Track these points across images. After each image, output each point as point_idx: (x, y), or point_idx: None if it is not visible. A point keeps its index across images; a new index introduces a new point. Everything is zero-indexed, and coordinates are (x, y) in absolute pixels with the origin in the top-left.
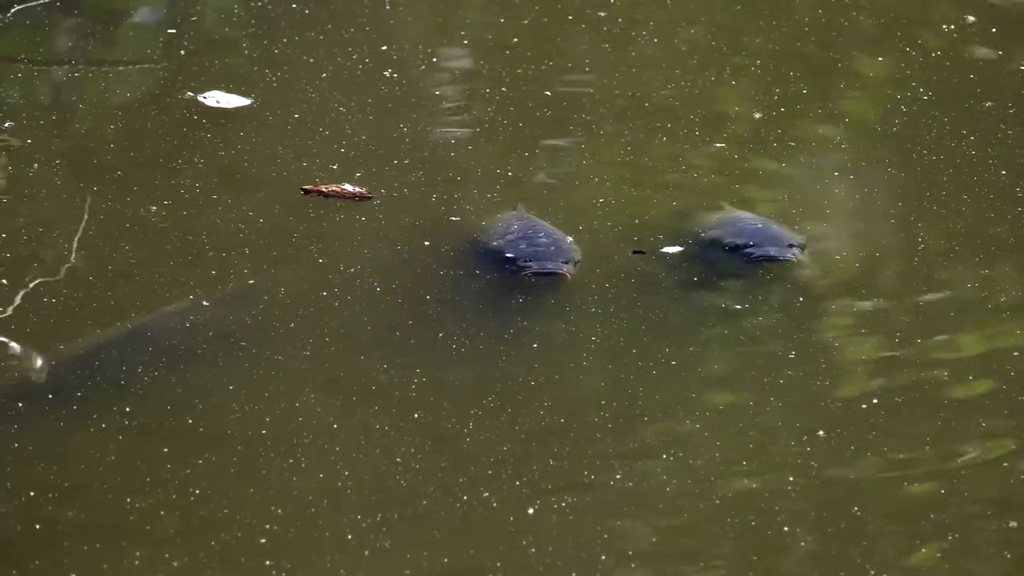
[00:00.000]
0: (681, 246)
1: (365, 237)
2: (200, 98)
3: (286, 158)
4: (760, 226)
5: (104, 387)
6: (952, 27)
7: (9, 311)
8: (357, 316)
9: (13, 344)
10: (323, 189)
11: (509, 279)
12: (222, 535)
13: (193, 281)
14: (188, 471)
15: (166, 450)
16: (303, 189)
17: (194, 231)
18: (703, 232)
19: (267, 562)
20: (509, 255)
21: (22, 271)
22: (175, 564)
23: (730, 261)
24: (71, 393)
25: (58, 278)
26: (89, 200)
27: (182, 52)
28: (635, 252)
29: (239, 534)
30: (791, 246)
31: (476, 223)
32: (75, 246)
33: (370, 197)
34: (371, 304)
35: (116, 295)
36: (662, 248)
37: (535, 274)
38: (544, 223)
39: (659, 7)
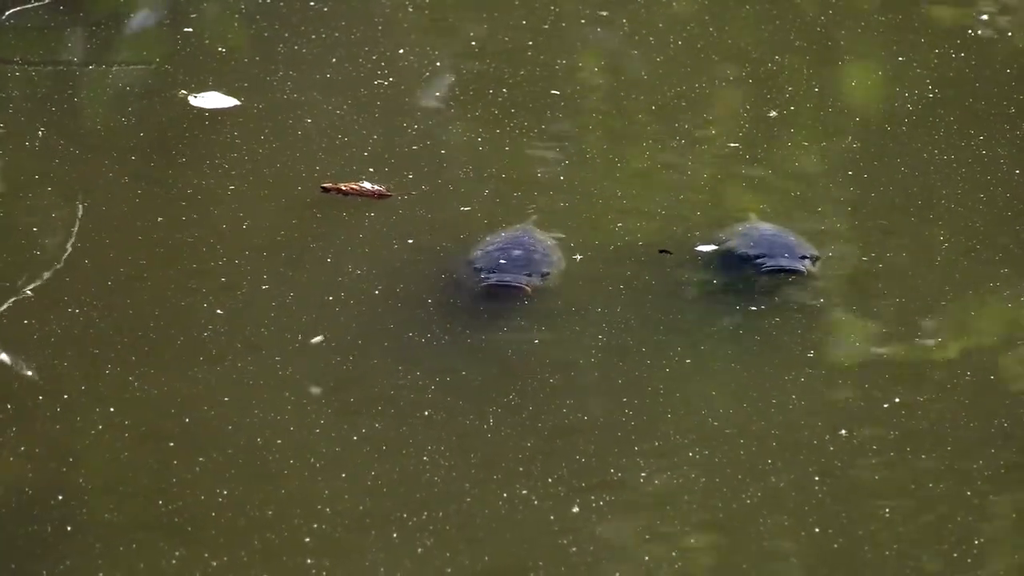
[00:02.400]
0: (716, 244)
1: (372, 240)
2: (192, 99)
3: (292, 159)
4: (775, 237)
5: (102, 389)
6: (958, 23)
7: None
8: (365, 320)
9: (3, 354)
10: (342, 187)
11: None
12: (268, 535)
13: (205, 288)
14: (207, 473)
15: (180, 453)
16: (323, 187)
17: (199, 234)
18: (718, 242)
19: (308, 561)
20: (476, 266)
21: (18, 274)
22: (214, 564)
23: (743, 270)
24: (72, 395)
25: (55, 281)
26: (85, 202)
27: (180, 53)
28: (661, 251)
29: (285, 534)
30: (803, 257)
31: (484, 227)
32: (69, 250)
33: (389, 195)
34: (378, 307)
35: (132, 299)
36: (696, 247)
37: (492, 286)
38: (535, 235)
39: (664, 8)
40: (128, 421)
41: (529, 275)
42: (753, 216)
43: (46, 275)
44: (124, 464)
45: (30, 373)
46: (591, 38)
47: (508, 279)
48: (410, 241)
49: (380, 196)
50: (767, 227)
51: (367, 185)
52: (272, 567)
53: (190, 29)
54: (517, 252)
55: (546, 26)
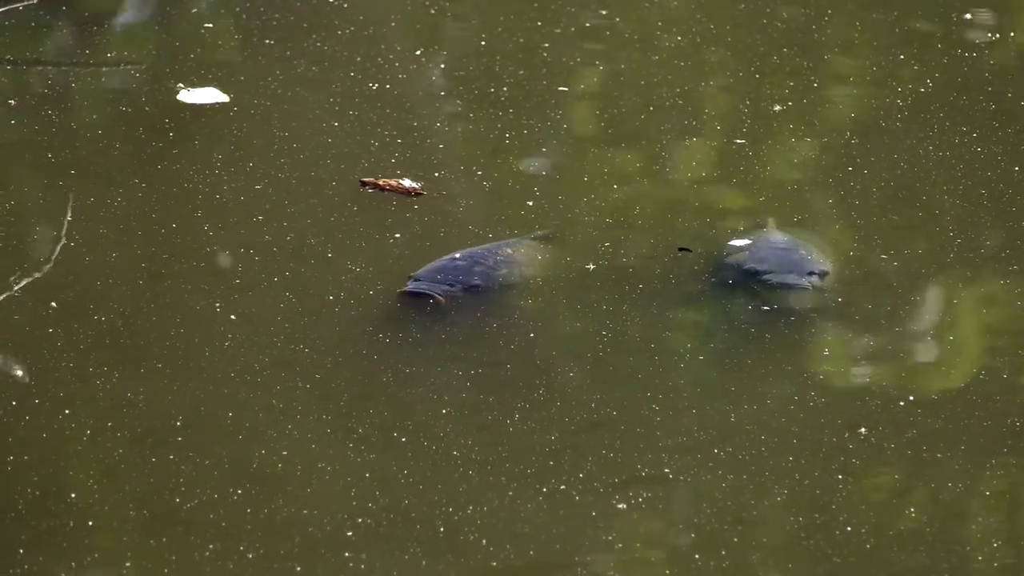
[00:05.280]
0: (750, 239)
1: (384, 238)
2: (185, 93)
3: (291, 157)
4: (785, 252)
5: (112, 389)
6: (946, 17)
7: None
8: (378, 319)
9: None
10: (380, 183)
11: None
12: (309, 529)
13: (215, 288)
14: (234, 472)
15: (201, 453)
16: (361, 181)
17: (200, 232)
18: (728, 253)
19: (346, 554)
20: (411, 273)
21: (10, 273)
22: (249, 556)
23: (751, 284)
24: (77, 395)
25: (50, 281)
26: (78, 201)
27: (172, 50)
28: (681, 249)
29: (328, 529)
30: (811, 273)
31: (496, 227)
32: (58, 250)
33: (423, 194)
34: (389, 307)
35: (134, 299)
36: (730, 241)
37: (404, 292)
38: (507, 247)
39: (663, 10)
40: (141, 421)
41: (451, 285)
42: (771, 223)
43: (36, 275)
44: (138, 463)
45: (20, 373)
46: (596, 38)
47: (423, 287)
48: (426, 239)
49: (415, 194)
50: (780, 238)
51: (406, 183)
52: (309, 561)
53: (182, 26)
54: (460, 263)
55: (558, 30)
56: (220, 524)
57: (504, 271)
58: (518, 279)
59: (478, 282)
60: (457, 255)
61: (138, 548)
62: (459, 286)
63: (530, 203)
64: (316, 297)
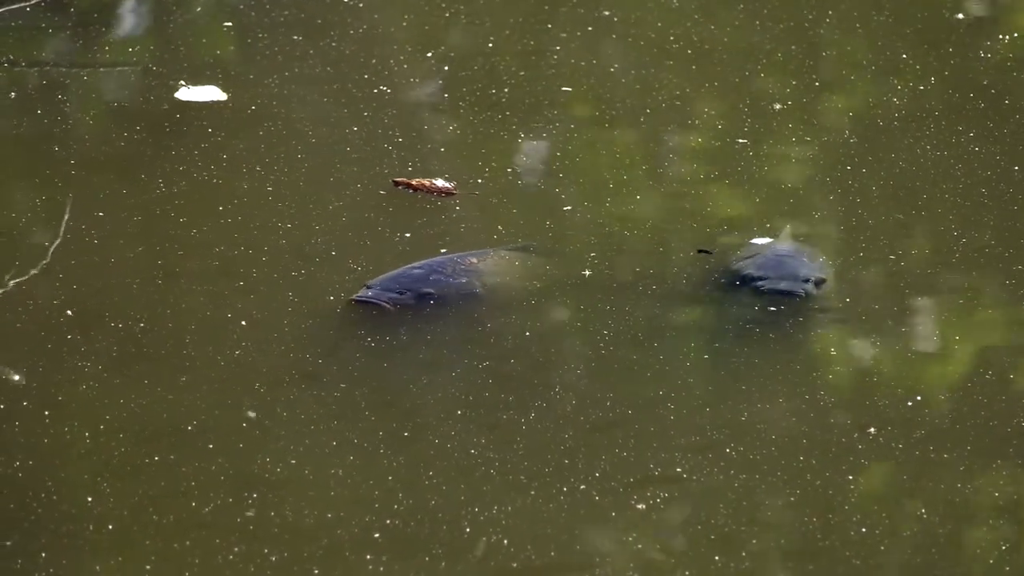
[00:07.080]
0: (771, 237)
1: (392, 238)
2: (185, 90)
3: (298, 156)
4: (785, 259)
5: (116, 391)
6: (945, 17)
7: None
8: (388, 318)
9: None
10: (413, 183)
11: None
12: (338, 530)
13: (228, 291)
14: (253, 476)
15: (217, 456)
16: (394, 181)
17: (211, 235)
18: (743, 254)
19: (368, 556)
20: (367, 281)
21: (7, 272)
22: (273, 559)
23: (749, 288)
24: (66, 407)
25: (54, 281)
26: (71, 201)
27: (170, 51)
28: (700, 251)
29: (355, 531)
30: (806, 280)
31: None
32: (51, 252)
33: (454, 194)
34: (397, 309)
35: (164, 303)
36: (751, 240)
37: (354, 300)
38: (470, 257)
39: (665, 11)
40: (153, 424)
41: (400, 294)
42: (787, 229)
43: (33, 272)
44: (154, 467)
45: (17, 378)
46: (600, 39)
47: (370, 295)
48: (435, 239)
49: (447, 194)
50: (785, 246)
51: (439, 182)
52: (331, 564)
53: (187, 25)
54: (416, 271)
55: (564, 33)
56: (245, 527)
57: (463, 280)
58: (480, 289)
59: (430, 291)
60: (427, 262)
61: (160, 551)
62: (409, 294)
63: (534, 205)
64: (324, 298)
